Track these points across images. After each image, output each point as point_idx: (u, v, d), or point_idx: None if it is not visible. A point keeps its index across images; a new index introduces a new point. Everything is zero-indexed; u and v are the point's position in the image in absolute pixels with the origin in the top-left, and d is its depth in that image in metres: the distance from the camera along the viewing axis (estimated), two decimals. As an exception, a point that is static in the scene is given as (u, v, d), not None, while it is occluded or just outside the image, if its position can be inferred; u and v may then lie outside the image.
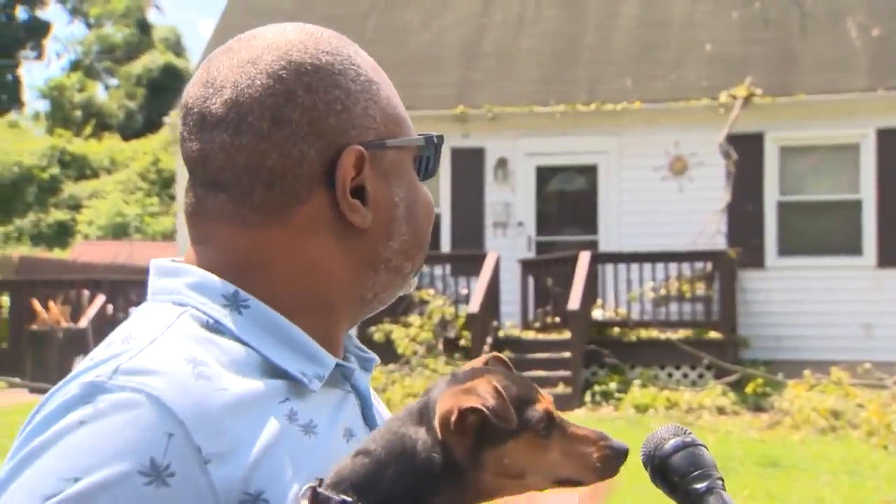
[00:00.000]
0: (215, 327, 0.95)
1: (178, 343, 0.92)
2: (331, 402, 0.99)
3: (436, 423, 0.83)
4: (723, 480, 0.91)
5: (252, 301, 0.97)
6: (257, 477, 0.89)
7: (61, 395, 0.89)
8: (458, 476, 0.83)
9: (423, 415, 0.85)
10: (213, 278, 0.98)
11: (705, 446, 0.93)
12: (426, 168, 1.07)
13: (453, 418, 0.82)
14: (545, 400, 0.87)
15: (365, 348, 1.11)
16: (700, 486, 0.90)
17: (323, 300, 1.01)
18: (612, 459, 0.87)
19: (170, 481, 0.85)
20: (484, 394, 0.82)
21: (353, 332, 1.10)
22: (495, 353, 0.92)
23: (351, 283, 1.02)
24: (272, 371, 0.95)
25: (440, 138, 1.08)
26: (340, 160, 0.98)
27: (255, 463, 0.89)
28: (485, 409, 0.81)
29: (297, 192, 0.98)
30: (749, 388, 11.34)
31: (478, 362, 0.91)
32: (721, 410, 11.00)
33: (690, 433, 0.93)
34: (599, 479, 0.87)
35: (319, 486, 0.85)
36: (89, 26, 49.33)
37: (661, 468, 0.92)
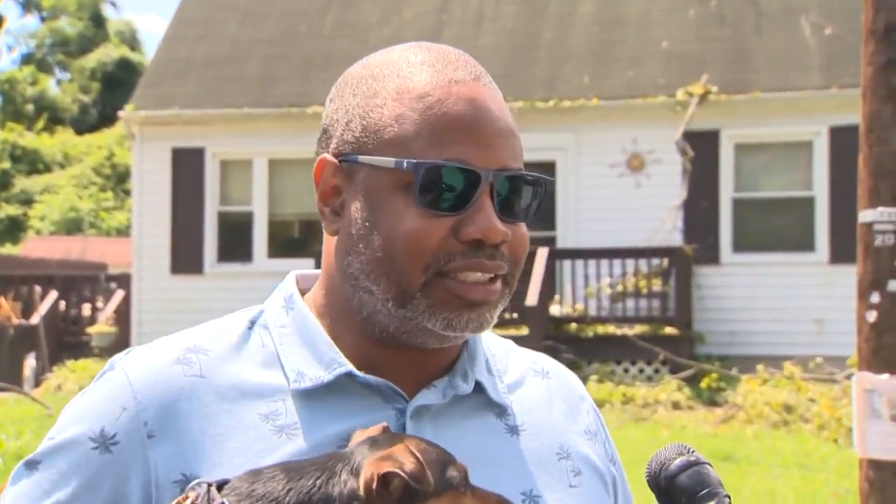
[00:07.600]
0: (262, 324, 1.05)
1: (200, 333, 1.03)
2: (338, 409, 0.98)
3: (361, 490, 0.85)
4: (730, 498, 0.90)
5: (298, 304, 1.05)
6: (198, 461, 0.93)
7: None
8: None
9: (340, 472, 0.86)
10: (292, 284, 1.08)
11: (710, 464, 0.92)
12: (427, 197, 0.96)
13: (374, 485, 0.84)
14: (460, 464, 0.89)
15: (470, 377, 1.04)
16: None
17: (335, 309, 1.05)
18: None
19: (113, 449, 0.95)
20: (401, 458, 0.85)
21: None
22: (384, 424, 0.93)
23: (343, 293, 1.03)
24: (281, 368, 1.01)
25: (463, 171, 0.96)
26: (321, 166, 1.03)
27: (199, 447, 0.94)
28: (402, 474, 0.83)
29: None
30: (704, 383, 11.45)
31: (372, 431, 0.92)
32: (676, 405, 11.11)
33: (694, 451, 0.92)
34: None
35: None
36: (43, 19, 48.56)
37: (668, 489, 0.91)
